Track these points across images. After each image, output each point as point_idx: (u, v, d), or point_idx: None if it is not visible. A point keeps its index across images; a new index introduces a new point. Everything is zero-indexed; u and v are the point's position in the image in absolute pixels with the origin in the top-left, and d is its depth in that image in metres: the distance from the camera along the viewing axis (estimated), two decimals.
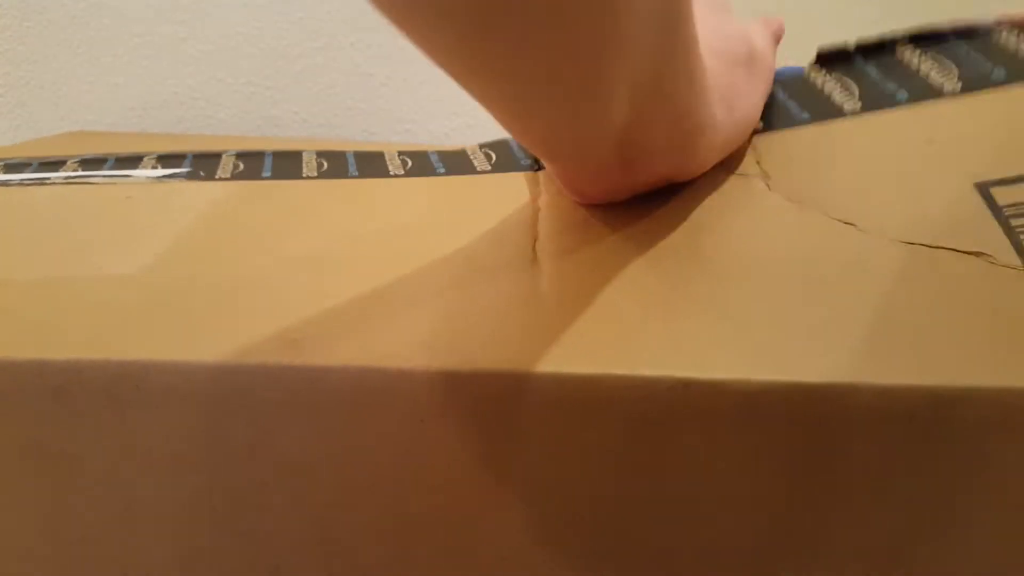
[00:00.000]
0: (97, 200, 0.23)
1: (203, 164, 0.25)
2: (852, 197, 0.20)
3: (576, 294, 0.18)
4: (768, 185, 0.21)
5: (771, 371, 0.15)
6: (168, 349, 0.16)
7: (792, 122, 0.23)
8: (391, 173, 0.24)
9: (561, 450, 0.16)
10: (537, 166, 0.24)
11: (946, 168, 0.20)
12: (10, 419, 0.17)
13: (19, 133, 0.51)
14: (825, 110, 0.23)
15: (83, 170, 0.25)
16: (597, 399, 0.16)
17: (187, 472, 0.17)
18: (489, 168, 0.24)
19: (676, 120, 0.18)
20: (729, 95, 0.20)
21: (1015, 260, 0.17)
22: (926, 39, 0.24)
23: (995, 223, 0.18)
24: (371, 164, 0.25)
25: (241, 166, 0.25)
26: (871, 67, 0.24)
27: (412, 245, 0.20)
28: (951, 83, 0.22)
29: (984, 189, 0.19)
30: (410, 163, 0.25)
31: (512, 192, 0.22)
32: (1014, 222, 0.18)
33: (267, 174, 0.24)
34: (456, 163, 0.25)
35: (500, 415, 0.16)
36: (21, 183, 0.24)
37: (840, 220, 0.19)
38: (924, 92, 0.22)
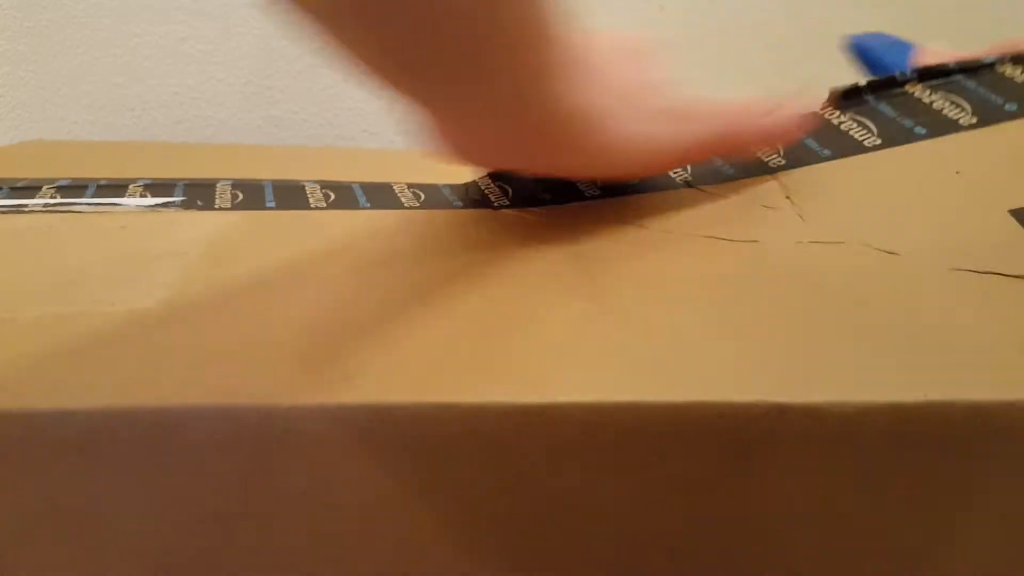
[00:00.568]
0: (88, 230, 0.22)
1: (198, 193, 0.24)
2: (889, 228, 0.20)
3: (642, 320, 0.18)
4: (802, 217, 0.21)
5: (870, 392, 0.15)
6: (209, 392, 0.15)
7: (815, 159, 0.24)
8: (405, 205, 0.24)
9: (640, 480, 0.16)
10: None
11: (978, 197, 0.20)
12: (30, 476, 0.15)
13: (19, 133, 0.51)
14: (846, 146, 0.23)
15: (63, 197, 0.24)
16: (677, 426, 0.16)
17: (232, 526, 0.16)
18: (507, 203, 0.24)
19: (520, 98, 0.19)
20: (636, 107, 0.21)
21: None
22: (933, 76, 0.24)
23: None
24: (379, 195, 0.25)
25: (240, 196, 0.24)
26: (884, 105, 0.24)
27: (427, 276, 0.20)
28: (966, 117, 0.23)
29: (1021, 215, 0.19)
30: (423, 196, 0.25)
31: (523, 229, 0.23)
32: None
33: (271, 204, 0.24)
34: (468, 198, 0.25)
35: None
36: None
37: (883, 250, 0.19)
38: (942, 127, 0.23)
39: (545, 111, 0.19)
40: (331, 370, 0.16)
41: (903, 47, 0.27)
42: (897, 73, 0.24)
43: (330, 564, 0.17)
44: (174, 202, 0.24)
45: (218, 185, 0.25)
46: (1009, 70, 0.24)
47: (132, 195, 0.24)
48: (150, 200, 0.24)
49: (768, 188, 0.23)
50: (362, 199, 0.24)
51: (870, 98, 0.25)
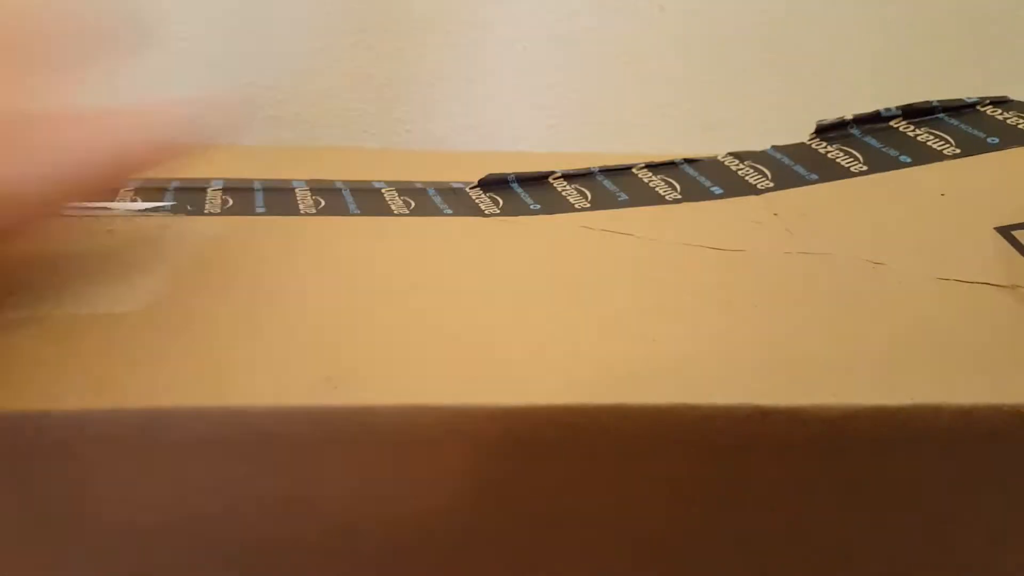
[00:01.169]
0: (73, 232, 0.22)
1: (188, 198, 0.24)
2: (875, 241, 0.21)
3: (626, 324, 0.18)
4: (789, 231, 0.22)
5: (854, 396, 0.16)
6: (190, 394, 0.15)
7: (802, 182, 0.24)
8: (394, 212, 0.24)
9: (625, 483, 0.16)
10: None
11: (964, 215, 0.21)
12: (7, 479, 0.15)
13: None
14: (833, 172, 0.24)
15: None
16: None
17: (213, 530, 0.16)
18: (497, 212, 0.24)
19: None
20: None
21: None
22: (917, 114, 0.25)
23: None
24: (369, 202, 0.25)
25: (230, 201, 0.25)
26: (869, 137, 0.25)
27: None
28: (950, 148, 0.24)
29: (1006, 232, 0.20)
30: (413, 204, 0.25)
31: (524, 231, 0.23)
32: None
33: (261, 210, 0.24)
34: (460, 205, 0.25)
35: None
36: None
37: (869, 260, 0.20)
38: (926, 156, 0.24)
39: None
40: (314, 373, 0.16)
41: None
42: (882, 109, 0.26)
43: (313, 567, 0.17)
44: (164, 206, 0.24)
45: (208, 190, 0.25)
46: (990, 111, 0.25)
47: (123, 199, 0.24)
48: (140, 204, 0.24)
49: (755, 204, 0.24)
50: (352, 205, 0.24)
51: (855, 131, 0.26)
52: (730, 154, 0.26)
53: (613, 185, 0.25)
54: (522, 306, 0.18)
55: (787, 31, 0.61)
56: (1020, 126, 0.24)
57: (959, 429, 0.15)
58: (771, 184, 0.24)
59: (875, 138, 0.25)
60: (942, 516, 0.16)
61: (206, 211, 0.24)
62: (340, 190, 0.25)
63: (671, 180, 0.25)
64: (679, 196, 0.24)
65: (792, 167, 0.25)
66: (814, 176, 0.24)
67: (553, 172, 0.26)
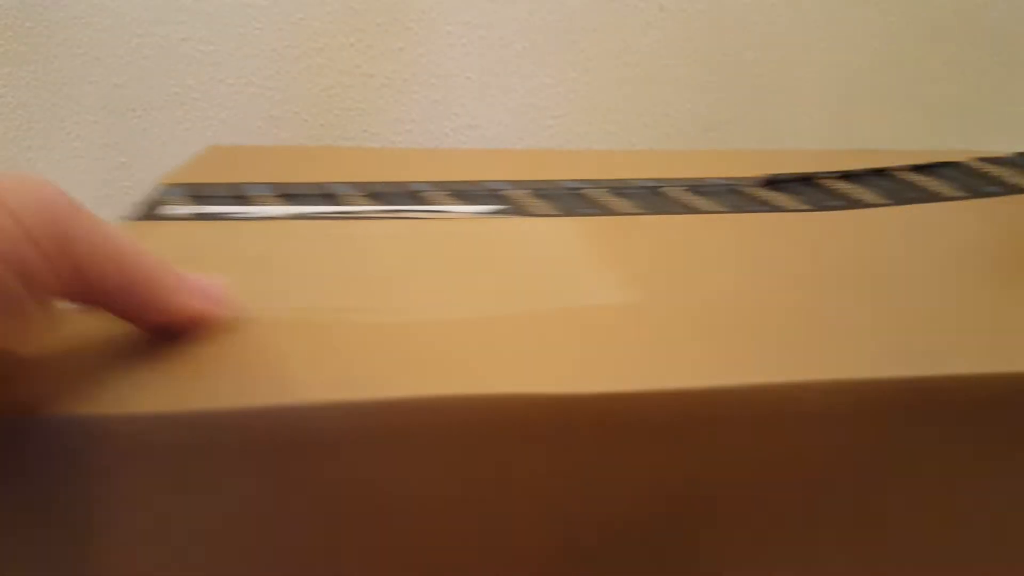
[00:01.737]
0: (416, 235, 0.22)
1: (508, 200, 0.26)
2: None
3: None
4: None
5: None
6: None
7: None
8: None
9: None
10: None
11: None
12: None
13: (20, 133, 0.51)
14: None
15: (379, 204, 0.24)
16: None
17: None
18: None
19: None
20: None
21: None
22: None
23: None
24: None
25: (541, 201, 0.26)
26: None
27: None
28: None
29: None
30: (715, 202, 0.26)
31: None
32: None
33: (594, 212, 0.25)
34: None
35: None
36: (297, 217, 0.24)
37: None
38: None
39: None
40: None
41: None
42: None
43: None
44: (492, 210, 0.25)
45: (558, 190, 0.27)
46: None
47: (441, 203, 0.25)
48: (471, 207, 0.25)
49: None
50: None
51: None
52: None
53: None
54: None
55: (786, 31, 0.61)
56: None
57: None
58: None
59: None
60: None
61: (539, 212, 0.25)
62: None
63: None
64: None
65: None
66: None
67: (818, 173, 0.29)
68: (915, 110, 0.67)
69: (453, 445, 0.15)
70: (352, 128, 0.56)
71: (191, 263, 0.17)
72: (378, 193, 0.26)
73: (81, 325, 0.16)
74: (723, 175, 0.29)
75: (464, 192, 0.26)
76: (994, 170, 0.27)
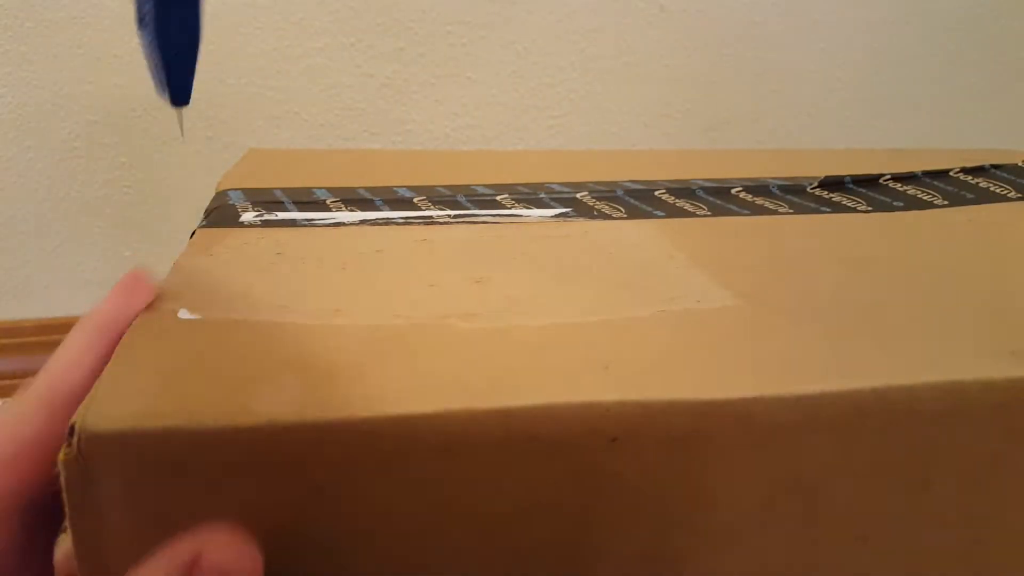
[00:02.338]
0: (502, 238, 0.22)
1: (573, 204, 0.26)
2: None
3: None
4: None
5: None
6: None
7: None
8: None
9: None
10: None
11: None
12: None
13: (20, 134, 0.51)
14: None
15: (461, 208, 0.24)
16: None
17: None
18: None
19: None
20: None
21: None
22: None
23: None
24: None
25: (631, 201, 0.26)
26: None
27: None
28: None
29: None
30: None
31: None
32: None
33: (660, 213, 0.25)
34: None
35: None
36: (373, 222, 0.24)
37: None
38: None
39: None
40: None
41: None
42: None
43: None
44: (560, 213, 0.25)
45: (616, 192, 0.27)
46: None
47: (509, 207, 0.25)
48: (539, 211, 0.24)
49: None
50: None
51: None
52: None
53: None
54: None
55: (785, 31, 0.61)
56: None
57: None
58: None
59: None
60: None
61: (610, 215, 0.25)
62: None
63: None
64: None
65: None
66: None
67: (883, 174, 0.29)
68: (915, 110, 0.67)
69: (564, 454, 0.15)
70: (352, 128, 0.57)
71: (277, 271, 0.18)
72: (443, 197, 0.25)
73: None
74: (777, 175, 0.29)
75: (526, 196, 0.26)
76: None
